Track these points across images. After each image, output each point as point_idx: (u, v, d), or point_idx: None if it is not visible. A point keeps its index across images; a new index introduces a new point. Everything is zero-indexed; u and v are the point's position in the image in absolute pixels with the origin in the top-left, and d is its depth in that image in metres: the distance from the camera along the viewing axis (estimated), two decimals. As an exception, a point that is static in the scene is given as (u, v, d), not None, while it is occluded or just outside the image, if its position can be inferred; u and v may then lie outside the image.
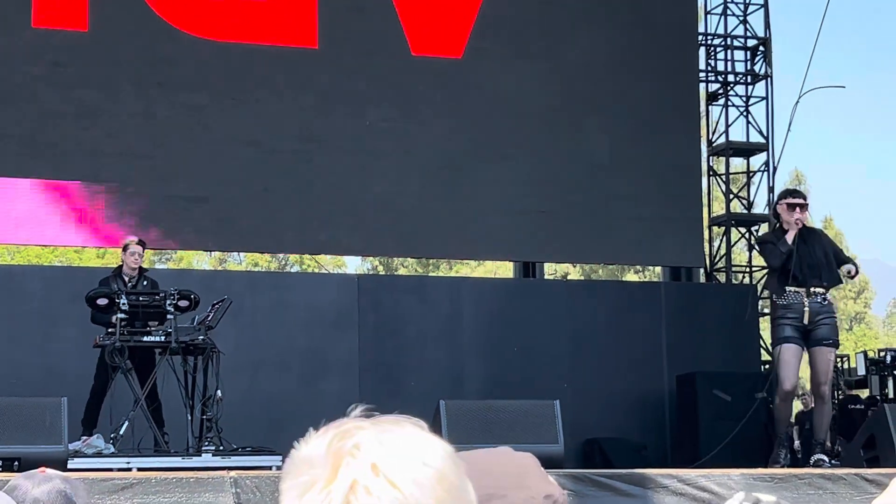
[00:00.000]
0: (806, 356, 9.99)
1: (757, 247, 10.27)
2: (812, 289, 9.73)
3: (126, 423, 9.73)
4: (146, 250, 11.23)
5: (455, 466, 1.32)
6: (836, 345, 9.98)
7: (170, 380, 10.08)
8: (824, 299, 9.80)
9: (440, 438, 1.34)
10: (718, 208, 16.63)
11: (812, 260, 9.76)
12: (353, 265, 39.25)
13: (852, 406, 21.31)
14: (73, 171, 12.91)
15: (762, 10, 16.46)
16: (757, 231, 16.89)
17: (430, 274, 36.66)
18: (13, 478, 2.74)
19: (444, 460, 1.31)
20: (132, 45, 13.25)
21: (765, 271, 16.50)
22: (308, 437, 1.33)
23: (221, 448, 9.73)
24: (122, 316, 9.93)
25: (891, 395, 19.40)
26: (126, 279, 10.70)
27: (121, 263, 10.93)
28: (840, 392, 22.01)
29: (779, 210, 9.97)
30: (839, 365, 23.35)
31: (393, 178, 13.83)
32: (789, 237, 9.71)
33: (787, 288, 9.75)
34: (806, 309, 9.68)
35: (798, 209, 9.81)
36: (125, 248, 10.83)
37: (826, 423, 10.16)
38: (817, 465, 9.52)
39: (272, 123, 13.56)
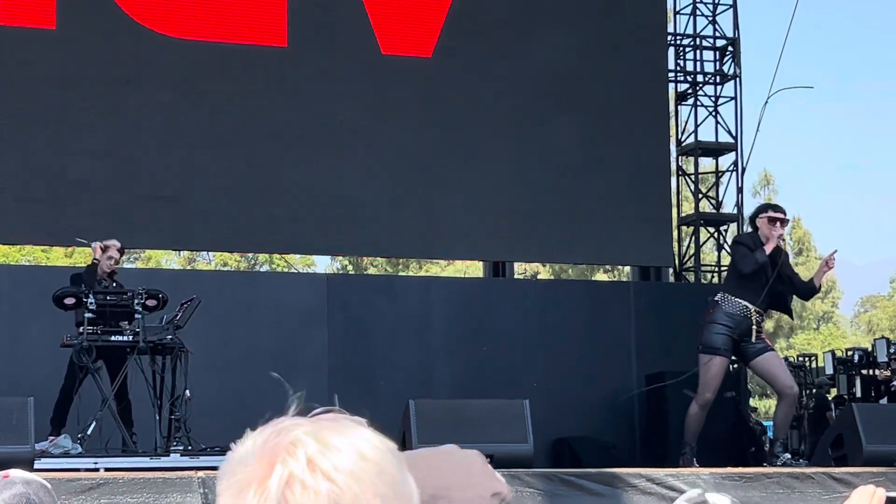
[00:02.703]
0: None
1: (732, 245, 10.16)
2: (758, 308, 9.73)
3: (94, 423, 9.68)
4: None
5: (396, 461, 1.32)
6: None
7: (138, 379, 10.04)
8: (763, 319, 9.84)
9: (380, 434, 1.34)
10: (688, 208, 16.67)
11: (767, 284, 9.76)
12: (323, 265, 39.21)
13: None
14: (40, 169, 12.83)
15: (731, 10, 16.52)
16: (726, 231, 16.96)
17: (400, 273, 36.64)
18: None
19: (384, 454, 1.31)
20: (100, 43, 13.19)
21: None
22: (244, 438, 1.32)
23: (190, 448, 9.69)
24: (90, 315, 9.88)
25: (858, 395, 19.51)
26: (97, 279, 10.64)
27: (94, 262, 10.85)
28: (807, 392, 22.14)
29: (759, 223, 9.82)
30: (808, 364, 23.48)
31: (363, 177, 13.81)
32: (767, 249, 9.65)
33: (740, 300, 9.70)
34: (753, 326, 9.68)
35: (779, 224, 9.76)
36: (104, 250, 10.76)
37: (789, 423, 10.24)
38: (787, 464, 9.55)
39: (241, 122, 13.52)
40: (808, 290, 10.07)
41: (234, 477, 1.29)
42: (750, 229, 10.02)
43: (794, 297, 10.31)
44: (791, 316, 10.37)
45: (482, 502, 1.88)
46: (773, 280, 9.66)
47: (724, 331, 9.69)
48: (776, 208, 9.97)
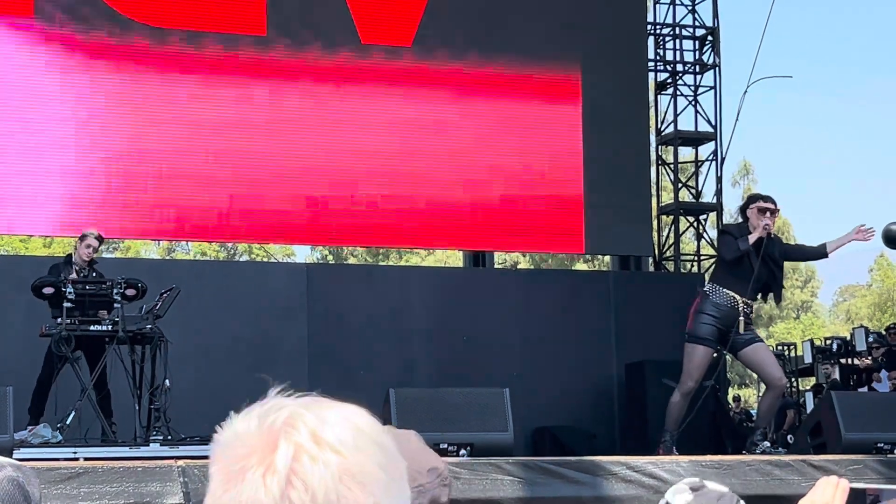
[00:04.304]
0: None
1: (718, 234, 10.13)
2: (746, 299, 9.74)
3: (73, 413, 9.65)
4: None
5: (386, 433, 1.34)
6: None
7: (117, 369, 10.01)
8: (751, 310, 9.85)
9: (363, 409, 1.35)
10: (667, 198, 16.69)
11: (759, 274, 9.75)
12: (303, 254, 39.15)
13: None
14: (18, 158, 12.78)
15: (711, -1, 16.55)
16: (705, 220, 16.98)
17: (380, 263, 36.64)
18: None
19: (376, 427, 1.33)
20: (78, 31, 13.12)
21: (713, 260, 16.61)
22: (231, 420, 1.32)
23: (169, 438, 9.68)
24: (69, 305, 9.84)
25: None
26: (76, 269, 10.60)
27: (71, 252, 10.81)
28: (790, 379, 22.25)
29: (748, 213, 9.78)
30: (786, 353, 23.56)
31: (342, 166, 13.79)
32: (751, 238, 9.65)
33: (727, 291, 9.71)
34: (741, 318, 9.69)
35: (768, 214, 9.71)
36: (82, 238, 10.70)
37: (773, 413, 10.27)
38: (766, 452, 9.58)
39: (219, 111, 13.47)
40: (817, 255, 10.06)
41: (231, 456, 1.29)
42: (741, 219, 10.02)
43: (785, 275, 10.28)
44: (778, 301, 10.31)
45: (419, 476, 1.90)
46: (759, 269, 9.65)
47: (711, 321, 9.69)
48: (766, 199, 9.94)
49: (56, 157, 12.87)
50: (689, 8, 16.53)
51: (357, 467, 1.27)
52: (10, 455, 7.44)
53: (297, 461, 1.26)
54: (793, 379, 22.53)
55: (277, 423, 1.28)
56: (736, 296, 9.67)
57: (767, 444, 9.80)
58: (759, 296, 10.10)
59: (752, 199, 10.04)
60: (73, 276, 10.33)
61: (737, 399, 27.52)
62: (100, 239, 10.76)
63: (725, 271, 9.80)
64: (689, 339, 9.84)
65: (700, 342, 9.73)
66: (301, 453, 1.26)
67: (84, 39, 13.14)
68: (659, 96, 17.02)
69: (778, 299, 10.11)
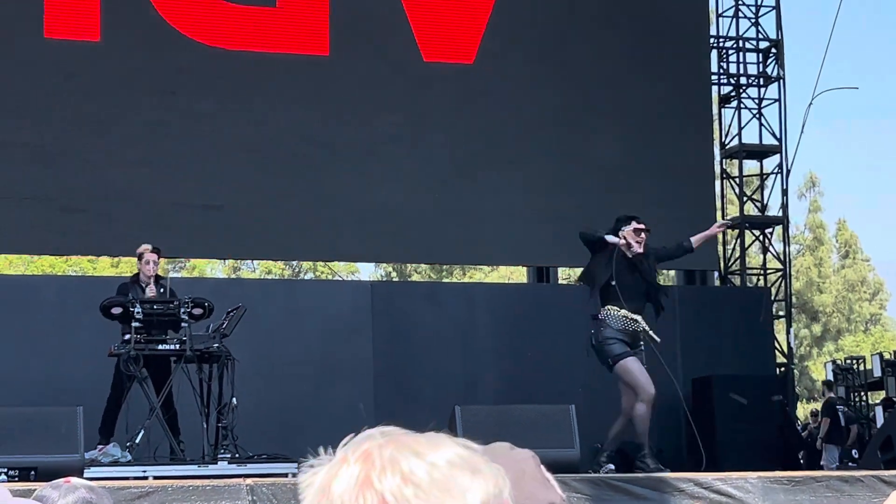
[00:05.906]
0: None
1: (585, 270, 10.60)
2: (634, 315, 9.93)
3: (142, 432, 9.73)
4: (161, 258, 11.17)
5: (462, 466, 1.33)
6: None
7: (185, 388, 10.08)
8: (639, 324, 9.99)
9: (461, 440, 1.36)
10: (732, 211, 16.60)
11: (640, 288, 10.03)
12: (367, 272, 39.25)
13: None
14: (87, 180, 12.93)
15: (774, 12, 16.45)
16: (771, 234, 16.85)
17: (444, 280, 36.64)
18: (39, 487, 2.75)
19: (456, 464, 1.33)
20: (144, 54, 13.28)
21: (779, 273, 16.47)
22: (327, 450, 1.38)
23: (237, 456, 9.72)
24: (137, 325, 9.92)
25: (907, 397, 19.35)
26: (143, 287, 10.68)
27: (137, 271, 10.90)
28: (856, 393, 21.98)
29: (624, 234, 10.18)
30: (855, 367, 23.28)
31: (405, 183, 13.83)
32: (631, 253, 10.03)
33: (616, 310, 9.90)
34: (640, 330, 9.85)
35: (643, 234, 10.17)
36: (140, 257, 10.79)
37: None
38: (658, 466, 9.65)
39: (285, 131, 13.57)
40: (683, 251, 10.39)
41: (312, 479, 1.34)
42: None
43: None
44: (658, 312, 10.50)
45: None
46: (638, 283, 9.94)
47: (618, 337, 9.97)
48: (639, 220, 10.35)
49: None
50: (753, 21, 16.43)
51: (382, 479, 1.29)
52: (80, 474, 7.52)
53: (361, 488, 1.30)
54: (862, 393, 22.29)
55: (355, 452, 1.33)
56: (628, 313, 9.87)
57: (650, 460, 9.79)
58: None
59: (626, 220, 10.39)
60: (150, 293, 10.41)
61: (815, 414, 27.06)
62: (157, 251, 10.81)
63: (609, 294, 9.99)
64: (613, 363, 10.01)
65: (623, 357, 9.92)
66: (366, 483, 1.30)
67: (149, 62, 13.26)
68: (723, 109, 16.93)
69: (660, 309, 10.37)
